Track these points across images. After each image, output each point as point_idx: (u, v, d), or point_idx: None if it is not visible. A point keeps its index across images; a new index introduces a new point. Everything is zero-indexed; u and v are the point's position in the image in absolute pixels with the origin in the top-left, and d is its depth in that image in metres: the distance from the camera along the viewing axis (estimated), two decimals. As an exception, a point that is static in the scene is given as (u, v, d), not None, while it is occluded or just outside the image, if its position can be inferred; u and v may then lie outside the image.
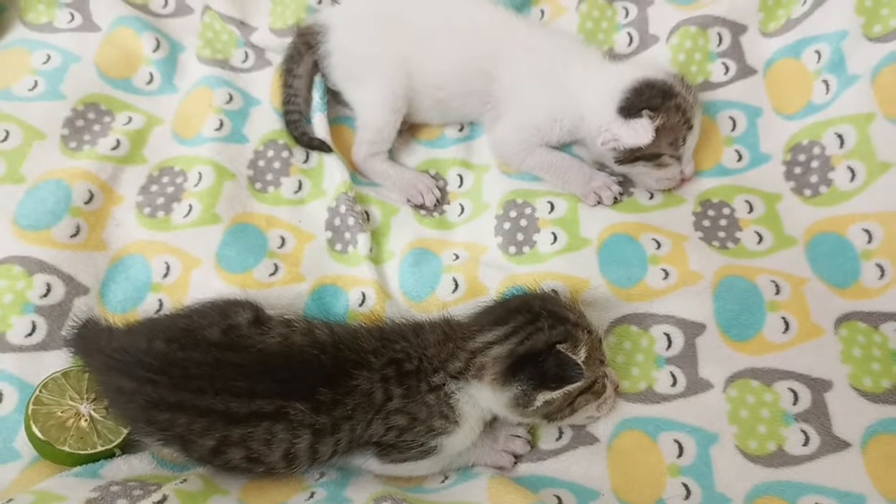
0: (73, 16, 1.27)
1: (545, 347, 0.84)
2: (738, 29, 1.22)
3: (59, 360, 0.97)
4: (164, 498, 0.77)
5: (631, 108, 1.07)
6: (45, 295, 1.00)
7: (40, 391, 0.91)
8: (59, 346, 0.98)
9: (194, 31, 1.32)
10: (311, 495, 0.85)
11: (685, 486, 0.89)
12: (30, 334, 0.98)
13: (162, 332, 0.87)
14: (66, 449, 0.88)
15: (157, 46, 1.26)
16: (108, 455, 0.90)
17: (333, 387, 0.83)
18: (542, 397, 0.82)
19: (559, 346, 0.83)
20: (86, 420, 0.91)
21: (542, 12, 1.32)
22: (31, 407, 0.89)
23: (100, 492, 0.78)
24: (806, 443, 0.90)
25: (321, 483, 0.89)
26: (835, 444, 0.89)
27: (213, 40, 1.31)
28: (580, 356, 0.82)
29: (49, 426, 0.89)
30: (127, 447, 0.92)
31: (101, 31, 1.26)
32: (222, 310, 0.92)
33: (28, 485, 0.88)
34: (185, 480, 0.84)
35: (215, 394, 0.81)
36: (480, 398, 0.87)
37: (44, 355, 0.97)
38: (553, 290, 1.01)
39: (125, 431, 0.91)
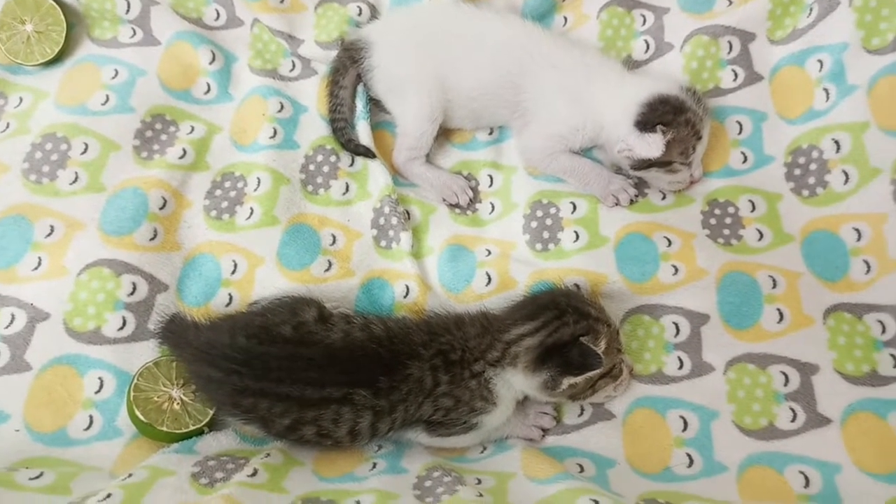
0: (134, 31, 1.37)
1: (570, 339, 0.97)
2: (747, 37, 1.31)
3: (147, 349, 1.11)
4: (255, 471, 0.92)
5: (646, 122, 1.18)
6: (132, 293, 1.13)
7: (137, 379, 1.05)
8: (146, 337, 1.12)
9: (245, 43, 1.41)
10: (374, 466, 1.00)
11: (689, 455, 1.03)
12: (121, 328, 1.11)
13: (242, 329, 1.01)
14: (164, 429, 1.03)
15: (213, 59, 1.36)
16: (199, 433, 1.05)
17: (390, 375, 0.97)
18: (567, 381, 0.97)
19: (582, 339, 0.96)
20: (178, 403, 1.06)
21: (566, 19, 1.41)
22: (132, 394, 1.04)
23: (200, 466, 0.93)
24: (794, 419, 1.04)
25: (381, 455, 1.04)
26: (818, 420, 1.03)
27: (262, 51, 1.41)
28: (600, 347, 0.97)
29: (148, 410, 1.03)
30: (213, 425, 1.07)
31: (161, 46, 1.36)
32: (291, 308, 1.06)
33: (131, 458, 1.04)
34: (268, 454, 0.99)
35: (292, 382, 0.96)
36: (515, 382, 1.01)
37: (134, 346, 1.11)
38: (575, 285, 1.14)
39: (211, 412, 1.06)
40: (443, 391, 1.00)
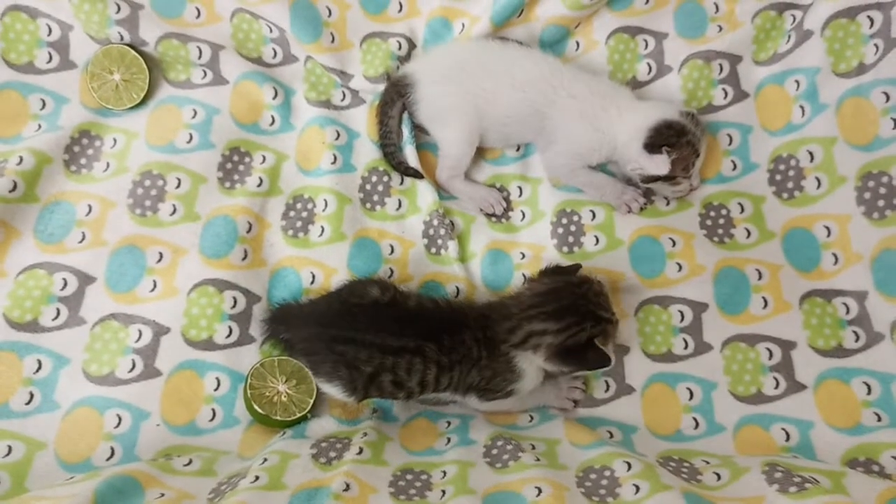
0: (205, 73, 1.54)
1: (586, 341, 1.15)
2: (735, 59, 1.52)
3: (251, 352, 1.33)
4: (361, 450, 1.13)
5: (654, 145, 1.38)
6: (234, 306, 1.34)
7: (250, 379, 1.27)
8: (249, 342, 1.34)
9: (300, 77, 1.59)
10: (448, 440, 1.23)
11: (695, 419, 1.26)
12: (228, 336, 1.33)
13: (335, 299, 1.27)
14: (278, 418, 1.26)
15: (276, 95, 1.54)
16: (304, 419, 1.28)
17: (451, 336, 1.17)
18: (579, 372, 1.19)
19: (596, 341, 1.14)
20: (284, 396, 1.28)
21: (578, 44, 1.59)
22: (248, 392, 1.27)
23: (316, 448, 1.14)
24: (777, 386, 1.27)
25: (452, 430, 1.27)
26: (796, 386, 1.27)
27: (315, 83, 1.58)
28: (609, 346, 1.16)
29: (263, 404, 1.25)
30: (313, 411, 1.30)
31: (230, 84, 1.53)
32: (373, 280, 1.29)
33: (251, 441, 1.26)
34: (365, 434, 1.20)
35: (376, 331, 1.17)
36: (535, 362, 1.19)
37: (241, 350, 1.33)
38: (589, 280, 1.23)
39: (311, 400, 1.28)
40: (484, 364, 1.18)
